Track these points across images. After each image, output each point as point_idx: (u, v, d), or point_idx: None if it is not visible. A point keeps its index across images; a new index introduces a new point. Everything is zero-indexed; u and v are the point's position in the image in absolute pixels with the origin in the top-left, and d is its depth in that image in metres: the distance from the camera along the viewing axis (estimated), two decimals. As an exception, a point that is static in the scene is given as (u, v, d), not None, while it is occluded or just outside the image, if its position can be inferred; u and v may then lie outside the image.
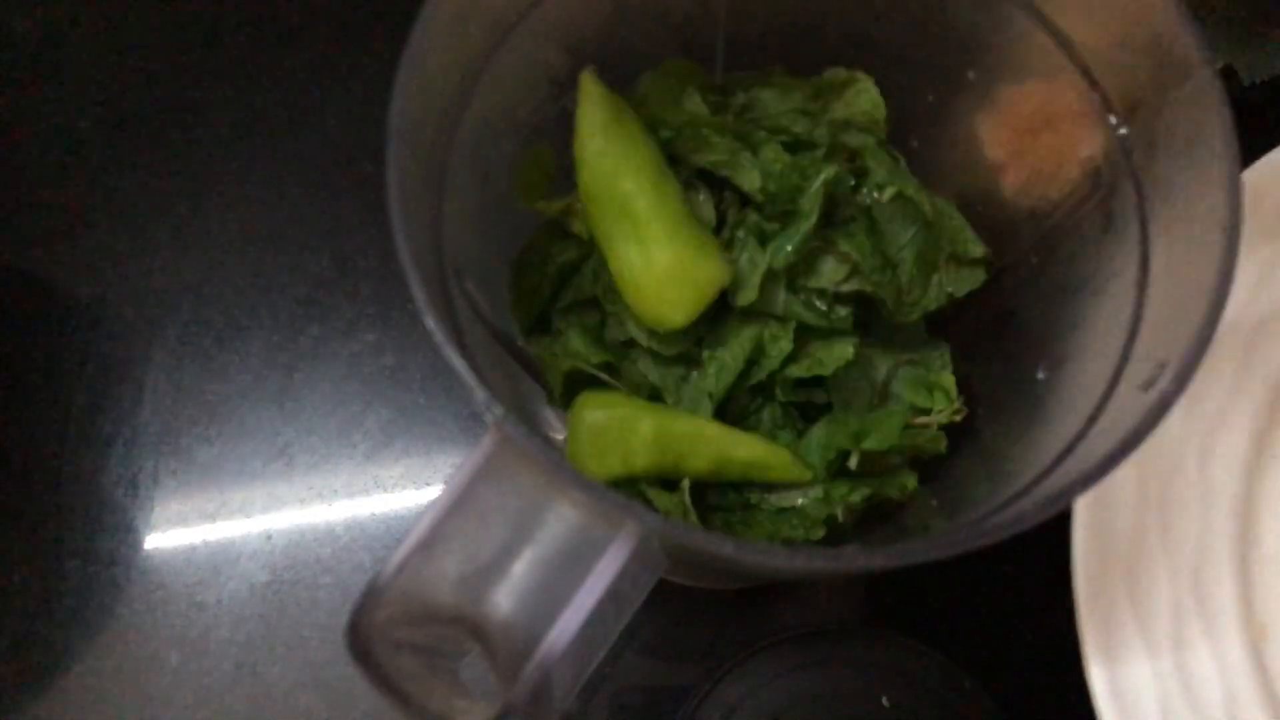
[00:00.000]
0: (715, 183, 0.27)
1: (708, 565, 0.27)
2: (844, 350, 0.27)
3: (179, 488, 0.36)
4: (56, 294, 0.39)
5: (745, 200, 0.27)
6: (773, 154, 0.26)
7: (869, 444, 0.26)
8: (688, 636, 0.34)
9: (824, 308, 0.26)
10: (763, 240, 0.26)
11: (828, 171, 0.26)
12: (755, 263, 0.26)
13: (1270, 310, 0.30)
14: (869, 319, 0.27)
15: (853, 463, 0.26)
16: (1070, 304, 0.23)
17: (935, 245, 0.26)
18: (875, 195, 0.27)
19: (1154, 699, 0.26)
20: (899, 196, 0.26)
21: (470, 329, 0.22)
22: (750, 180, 0.26)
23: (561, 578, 0.18)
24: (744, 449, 0.26)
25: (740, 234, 0.26)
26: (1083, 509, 0.27)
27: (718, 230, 0.27)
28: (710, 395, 0.26)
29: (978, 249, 0.27)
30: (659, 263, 0.24)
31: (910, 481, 0.27)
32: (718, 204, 0.27)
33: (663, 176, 0.25)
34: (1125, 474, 0.28)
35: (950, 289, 0.27)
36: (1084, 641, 0.27)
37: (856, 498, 0.26)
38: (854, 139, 0.27)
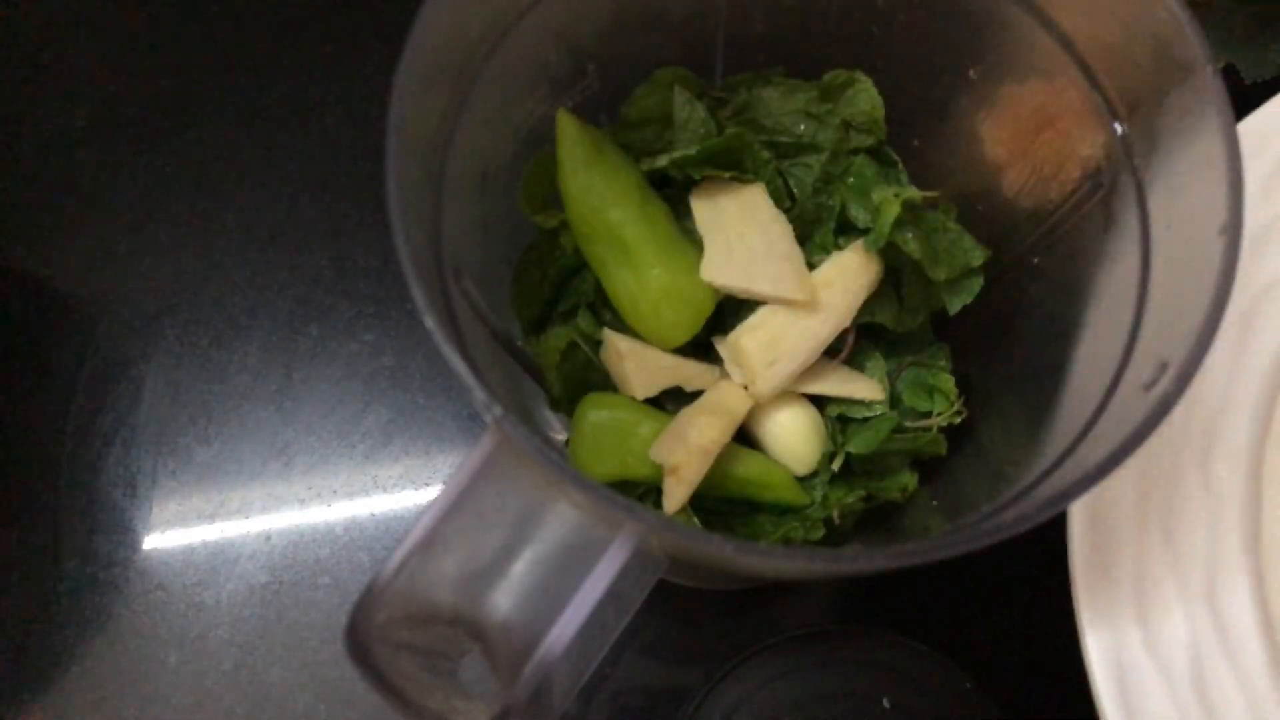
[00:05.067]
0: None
1: (708, 566, 0.27)
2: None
3: (177, 488, 0.36)
4: (56, 294, 0.39)
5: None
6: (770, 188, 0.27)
7: (853, 448, 0.26)
8: (688, 637, 0.34)
9: None
10: None
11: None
12: None
13: (1261, 290, 0.28)
14: (872, 325, 0.27)
15: (836, 465, 0.27)
16: (1071, 304, 0.23)
17: (931, 265, 0.26)
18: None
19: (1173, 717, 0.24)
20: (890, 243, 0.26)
21: (470, 329, 0.22)
22: None
23: (561, 578, 0.18)
24: (743, 465, 0.26)
25: None
26: (1079, 520, 0.26)
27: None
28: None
29: (977, 257, 0.27)
30: (654, 286, 0.25)
31: (911, 482, 0.27)
32: None
33: (648, 201, 0.25)
34: (1122, 481, 0.26)
35: (948, 299, 0.27)
36: (1090, 663, 0.25)
37: (853, 499, 0.26)
38: (854, 140, 0.27)
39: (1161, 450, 0.27)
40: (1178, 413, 0.27)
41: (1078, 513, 0.26)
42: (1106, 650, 0.25)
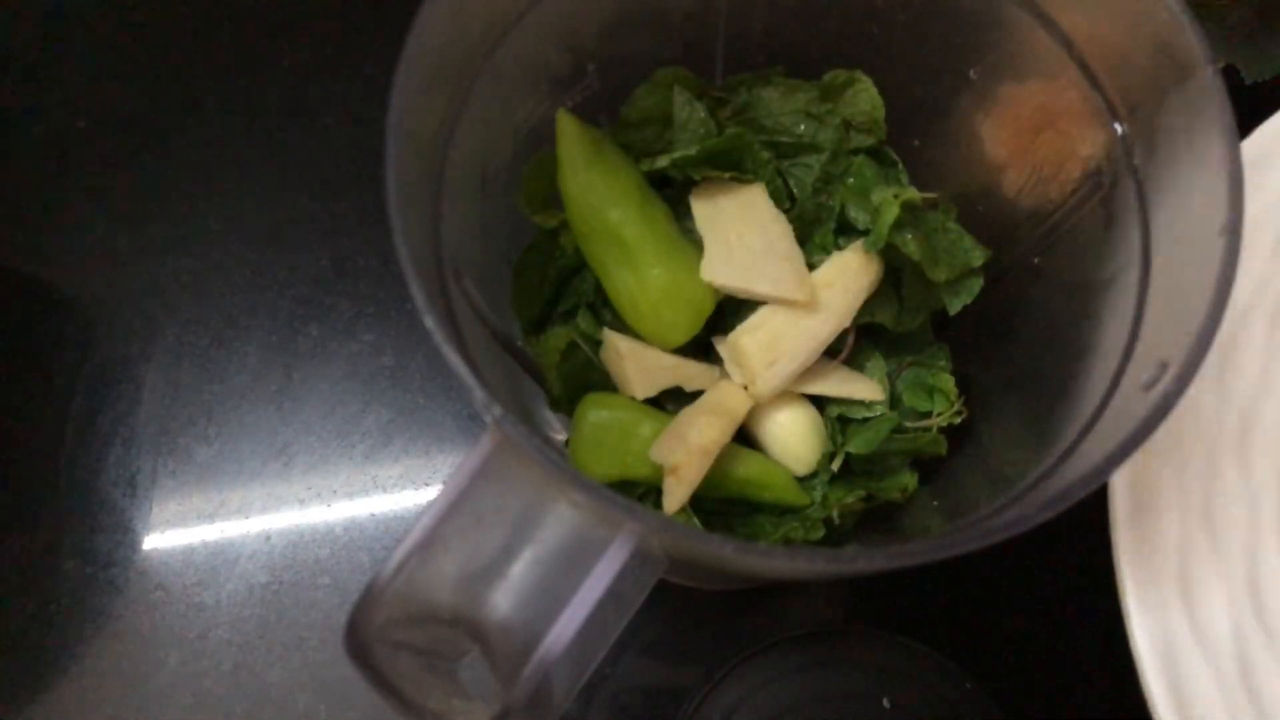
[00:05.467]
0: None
1: (708, 566, 0.27)
2: None
3: (177, 488, 0.36)
4: (56, 294, 0.39)
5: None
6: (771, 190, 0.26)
7: (853, 448, 0.26)
8: (688, 637, 0.34)
9: None
10: None
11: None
12: None
13: None
14: (872, 325, 0.27)
15: (835, 465, 0.27)
16: (1071, 304, 0.23)
17: (931, 266, 0.26)
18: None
19: (1223, 715, 0.24)
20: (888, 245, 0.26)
21: (470, 329, 0.22)
22: None
23: (561, 578, 0.18)
24: (743, 465, 0.26)
25: None
26: (1123, 520, 0.26)
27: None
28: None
29: (977, 258, 0.27)
30: (654, 286, 0.25)
31: (911, 482, 0.27)
32: None
33: (648, 201, 0.25)
34: (1163, 472, 0.26)
35: (948, 299, 0.27)
36: (1138, 649, 0.25)
37: (853, 499, 0.26)
38: (854, 140, 0.27)
39: (1199, 441, 0.27)
40: (1214, 403, 0.27)
41: (1120, 505, 0.26)
42: (1153, 637, 0.25)
